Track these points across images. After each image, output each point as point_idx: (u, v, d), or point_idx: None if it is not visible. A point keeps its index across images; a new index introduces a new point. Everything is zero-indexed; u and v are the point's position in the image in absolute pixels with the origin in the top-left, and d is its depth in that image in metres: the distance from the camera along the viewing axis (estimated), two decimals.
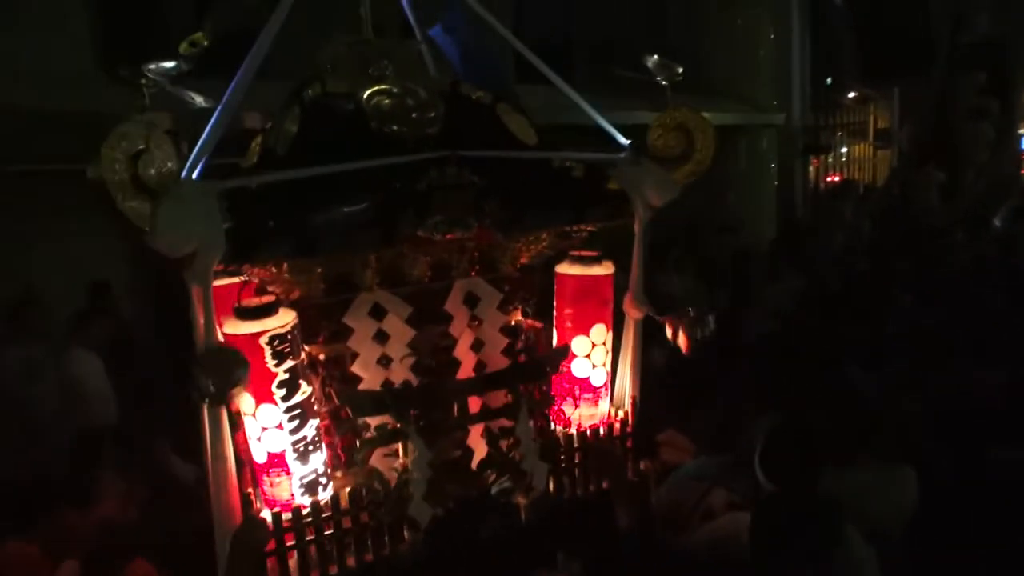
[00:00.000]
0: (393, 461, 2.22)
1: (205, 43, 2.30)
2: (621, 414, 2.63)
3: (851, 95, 11.66)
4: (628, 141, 2.39)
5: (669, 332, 2.53)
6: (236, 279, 2.22)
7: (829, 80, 10.73)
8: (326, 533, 2.14)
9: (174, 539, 2.46)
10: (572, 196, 2.36)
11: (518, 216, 2.25)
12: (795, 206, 9.69)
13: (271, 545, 2.08)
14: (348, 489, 2.19)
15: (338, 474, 2.27)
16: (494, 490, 2.36)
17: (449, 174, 2.12)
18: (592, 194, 2.39)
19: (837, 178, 11.47)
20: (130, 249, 5.01)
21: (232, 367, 1.89)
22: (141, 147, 1.71)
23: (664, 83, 2.30)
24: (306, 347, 2.27)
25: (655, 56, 2.26)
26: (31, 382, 3.82)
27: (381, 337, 2.31)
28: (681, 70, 2.26)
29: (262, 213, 1.97)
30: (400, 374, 2.33)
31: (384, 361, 2.32)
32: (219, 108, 2.01)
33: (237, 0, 2.72)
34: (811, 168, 10.73)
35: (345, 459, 2.27)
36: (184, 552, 2.33)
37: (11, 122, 4.12)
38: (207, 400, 1.88)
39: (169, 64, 1.84)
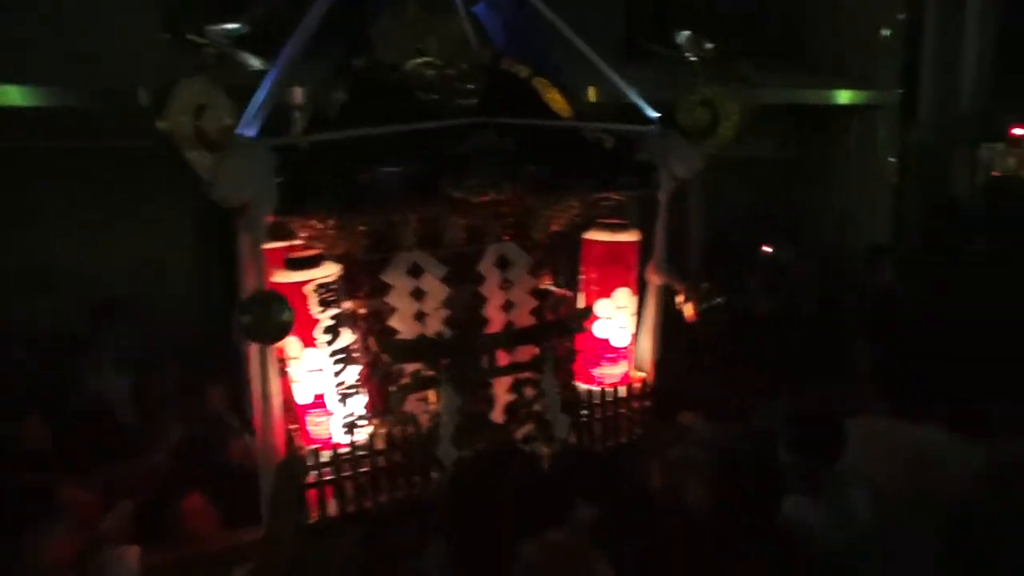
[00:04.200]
0: (424, 407, 2.38)
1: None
2: (641, 375, 2.76)
3: None
4: (657, 115, 2.50)
5: (680, 299, 2.65)
6: (285, 243, 2.37)
7: None
8: (362, 470, 2.31)
9: (221, 477, 2.65)
10: (601, 165, 2.48)
11: (550, 181, 2.37)
12: (943, 201, 8.11)
13: (310, 479, 2.25)
14: (383, 431, 2.35)
15: (375, 421, 2.45)
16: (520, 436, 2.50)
17: (487, 139, 2.25)
18: (620, 164, 2.50)
19: None
20: None
21: (271, 306, 1.95)
22: (203, 102, 1.86)
23: (693, 59, 2.40)
24: (349, 302, 2.44)
25: (686, 32, 2.36)
26: None
27: (418, 294, 2.46)
28: (711, 46, 2.35)
29: (311, 171, 2.14)
30: (434, 329, 2.48)
31: (420, 317, 2.48)
32: (274, 70, 2.16)
33: None
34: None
35: (381, 405, 2.44)
36: (231, 487, 2.52)
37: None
38: (250, 337, 1.99)
39: (231, 26, 1.98)
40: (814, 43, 7.30)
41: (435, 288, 2.48)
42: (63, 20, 4.20)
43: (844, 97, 7.20)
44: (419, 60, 2.47)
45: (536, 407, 2.49)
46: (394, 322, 2.46)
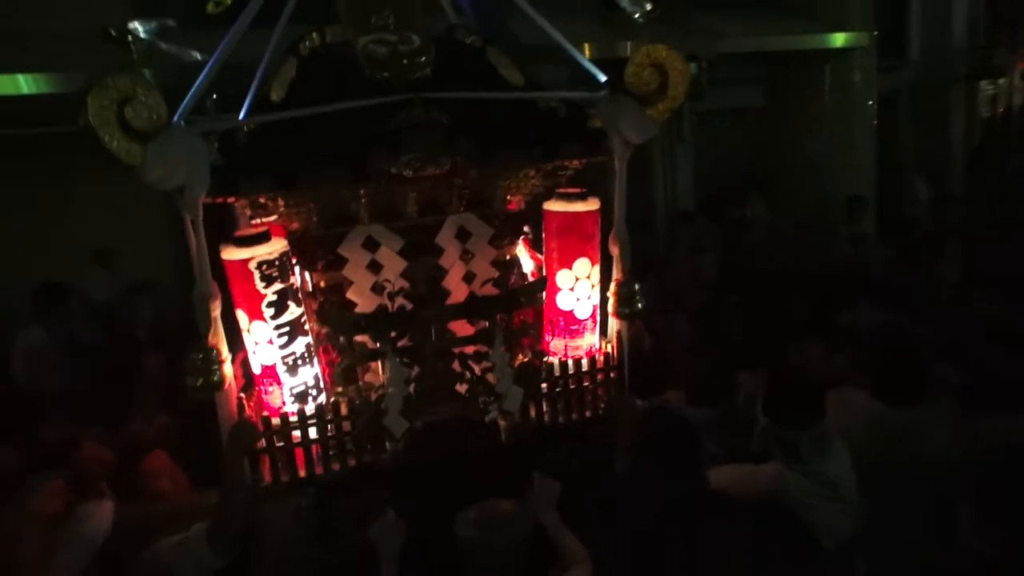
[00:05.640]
0: (373, 378, 2.45)
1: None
2: (608, 348, 2.69)
3: None
4: (605, 79, 2.40)
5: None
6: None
7: None
8: (311, 438, 2.42)
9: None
10: (547, 133, 2.42)
11: (490, 152, 2.34)
12: (950, 143, 8.23)
13: (261, 444, 2.38)
14: (332, 400, 2.44)
15: (327, 391, 2.55)
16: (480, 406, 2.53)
17: (415, 115, 2.25)
18: (568, 131, 2.43)
19: None
20: None
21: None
22: (128, 96, 1.97)
23: (637, 17, 2.28)
24: (308, 274, 2.54)
25: None
26: None
27: (374, 267, 2.51)
28: (650, 6, 2.23)
29: (247, 152, 2.22)
30: (392, 302, 2.53)
31: (377, 289, 2.53)
32: (211, 60, 2.25)
33: None
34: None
35: (332, 376, 2.53)
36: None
37: None
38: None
39: (153, 24, 2.07)
40: None
41: (392, 260, 2.52)
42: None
43: (817, 41, 6.75)
44: (370, 37, 2.48)
45: (488, 380, 2.50)
46: (352, 294, 2.52)
